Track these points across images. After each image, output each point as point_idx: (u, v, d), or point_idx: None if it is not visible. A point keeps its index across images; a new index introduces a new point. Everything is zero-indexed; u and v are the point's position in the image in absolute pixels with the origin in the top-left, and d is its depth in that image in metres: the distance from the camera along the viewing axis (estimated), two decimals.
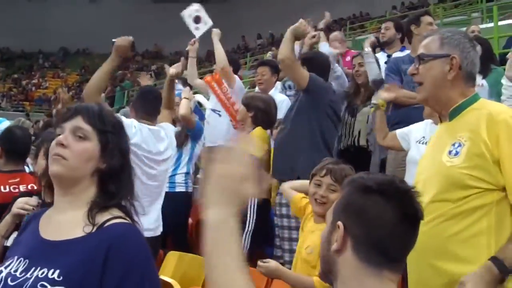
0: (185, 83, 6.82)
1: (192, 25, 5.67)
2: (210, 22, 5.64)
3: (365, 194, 1.41)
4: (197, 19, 5.68)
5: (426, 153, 2.34)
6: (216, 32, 5.70)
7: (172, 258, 4.07)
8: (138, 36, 3.99)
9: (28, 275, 1.60)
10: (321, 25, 5.59)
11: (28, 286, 1.57)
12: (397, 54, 5.13)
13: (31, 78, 35.15)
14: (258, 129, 4.36)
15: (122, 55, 3.63)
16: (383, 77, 4.62)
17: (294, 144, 4.03)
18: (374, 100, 3.69)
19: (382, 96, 3.85)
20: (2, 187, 3.28)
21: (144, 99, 4.10)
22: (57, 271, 1.58)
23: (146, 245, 1.69)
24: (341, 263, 1.40)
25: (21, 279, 1.60)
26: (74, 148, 1.67)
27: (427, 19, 4.63)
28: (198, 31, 5.69)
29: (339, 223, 1.41)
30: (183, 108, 4.70)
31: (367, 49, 4.91)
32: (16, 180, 3.35)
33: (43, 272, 1.59)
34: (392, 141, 3.86)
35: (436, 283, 2.05)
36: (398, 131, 3.83)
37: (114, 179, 1.72)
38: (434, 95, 2.20)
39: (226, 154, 1.16)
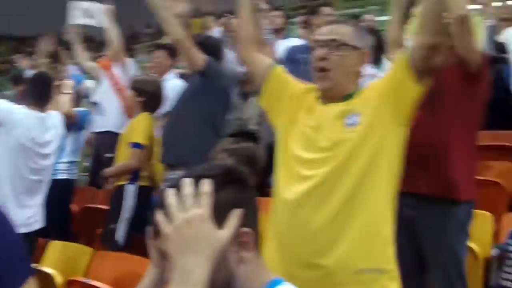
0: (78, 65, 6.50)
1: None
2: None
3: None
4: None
5: None
6: (109, 10, 5.40)
7: (54, 249, 3.89)
8: None
9: None
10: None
11: None
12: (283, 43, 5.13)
13: None
14: (145, 115, 4.18)
15: None
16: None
17: (183, 130, 3.89)
18: None
19: None
20: None
21: (33, 84, 4.02)
22: None
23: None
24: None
25: None
26: None
27: (326, 10, 4.73)
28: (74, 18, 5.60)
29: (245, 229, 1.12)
30: (64, 106, 4.50)
31: None
32: None
33: None
34: None
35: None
36: None
37: None
38: None
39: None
